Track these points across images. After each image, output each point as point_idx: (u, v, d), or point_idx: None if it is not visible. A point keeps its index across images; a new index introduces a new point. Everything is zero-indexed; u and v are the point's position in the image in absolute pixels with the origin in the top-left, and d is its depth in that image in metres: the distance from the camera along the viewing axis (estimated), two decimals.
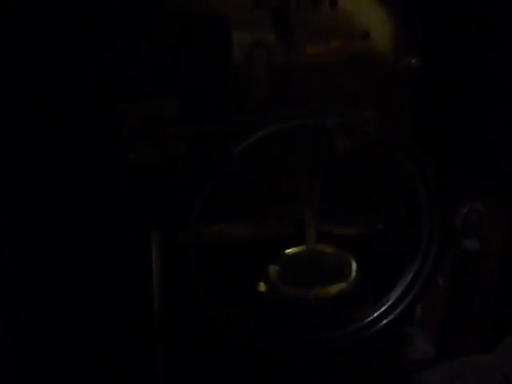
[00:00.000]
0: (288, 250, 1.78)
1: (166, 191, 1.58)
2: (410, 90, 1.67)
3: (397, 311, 1.66)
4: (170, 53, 1.55)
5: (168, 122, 1.48)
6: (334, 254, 1.77)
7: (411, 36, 1.64)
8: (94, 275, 1.66)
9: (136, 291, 1.65)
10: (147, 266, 1.58)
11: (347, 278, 1.72)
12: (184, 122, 1.49)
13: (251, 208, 1.70)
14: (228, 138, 1.53)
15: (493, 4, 1.73)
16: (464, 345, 1.87)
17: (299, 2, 1.56)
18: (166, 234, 1.57)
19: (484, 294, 1.82)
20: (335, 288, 1.71)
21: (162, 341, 1.65)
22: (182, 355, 1.70)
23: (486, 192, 1.77)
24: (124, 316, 1.69)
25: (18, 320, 1.64)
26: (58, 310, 1.67)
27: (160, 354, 1.66)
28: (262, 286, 1.74)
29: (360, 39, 1.60)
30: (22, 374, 1.68)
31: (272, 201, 1.71)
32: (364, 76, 1.62)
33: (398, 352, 1.88)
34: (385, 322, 1.67)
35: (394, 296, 1.66)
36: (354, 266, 1.74)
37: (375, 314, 1.67)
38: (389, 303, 1.66)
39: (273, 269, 1.74)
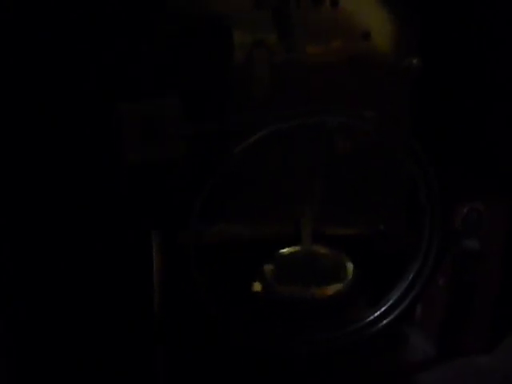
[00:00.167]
0: (283, 250, 1.78)
1: (166, 191, 1.58)
2: (411, 90, 1.67)
3: (397, 311, 1.66)
4: (169, 53, 1.55)
5: (168, 122, 1.48)
6: (330, 255, 1.77)
7: (412, 36, 1.64)
8: (94, 275, 1.66)
9: (136, 291, 1.65)
10: (147, 265, 1.58)
11: (343, 279, 1.72)
12: (184, 122, 1.49)
13: (251, 208, 1.70)
14: (228, 138, 1.53)
15: (493, 4, 1.73)
16: (464, 345, 1.87)
17: (300, 1, 1.56)
18: (166, 234, 1.57)
19: (484, 294, 1.82)
20: (331, 288, 1.71)
21: (161, 341, 1.65)
22: (182, 355, 1.69)
23: (486, 192, 1.77)
24: (124, 316, 1.69)
25: (18, 320, 1.64)
26: (57, 310, 1.67)
27: (160, 354, 1.66)
28: (256, 286, 1.73)
29: (361, 39, 1.60)
30: (22, 374, 1.68)
31: (272, 201, 1.71)
32: (364, 76, 1.62)
33: (398, 352, 1.88)
34: (385, 322, 1.67)
35: (394, 296, 1.66)
36: (349, 267, 1.74)
37: (375, 314, 1.67)
38: (389, 303, 1.66)
39: (268, 268, 1.74)
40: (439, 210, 1.58)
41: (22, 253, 1.62)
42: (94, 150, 1.57)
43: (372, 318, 1.67)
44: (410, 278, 1.64)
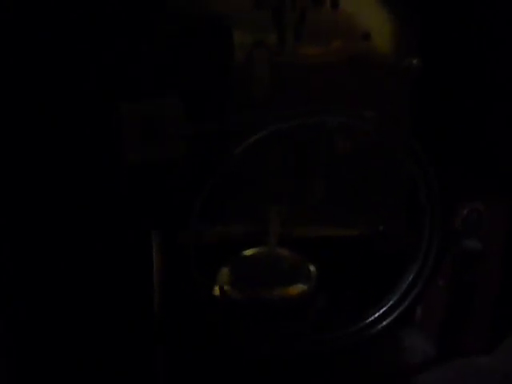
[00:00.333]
0: (244, 252, 1.76)
1: (166, 191, 1.58)
2: (411, 90, 1.67)
3: (397, 312, 1.66)
4: (169, 53, 1.55)
5: (168, 122, 1.48)
6: (291, 257, 1.76)
7: (412, 36, 1.64)
8: (94, 275, 1.66)
9: (136, 291, 1.65)
10: (147, 265, 1.58)
11: (306, 281, 1.71)
12: (184, 122, 1.49)
13: (251, 208, 1.70)
14: (228, 138, 1.53)
15: (493, 4, 1.73)
16: (464, 345, 1.87)
17: (301, 2, 1.56)
18: (166, 234, 1.57)
19: (484, 294, 1.82)
20: (295, 289, 1.70)
21: (161, 341, 1.65)
22: (182, 355, 1.69)
23: (486, 192, 1.77)
24: (124, 316, 1.69)
25: (18, 320, 1.64)
26: (57, 310, 1.67)
27: (160, 354, 1.66)
28: (216, 289, 1.72)
29: (361, 40, 1.60)
30: (22, 374, 1.68)
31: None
32: (364, 76, 1.62)
33: (398, 352, 1.88)
34: (385, 322, 1.67)
35: (394, 296, 1.66)
36: (312, 269, 1.73)
37: (376, 315, 1.67)
38: (389, 304, 1.66)
39: (224, 271, 1.72)
40: (439, 210, 1.59)
41: (22, 253, 1.62)
42: (94, 150, 1.57)
43: (372, 318, 1.67)
44: (410, 278, 1.64)
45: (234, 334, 1.66)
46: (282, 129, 1.51)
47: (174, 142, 1.49)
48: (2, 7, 1.47)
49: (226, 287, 1.69)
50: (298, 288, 1.70)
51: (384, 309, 1.67)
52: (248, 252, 1.75)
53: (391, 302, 1.66)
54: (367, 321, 1.67)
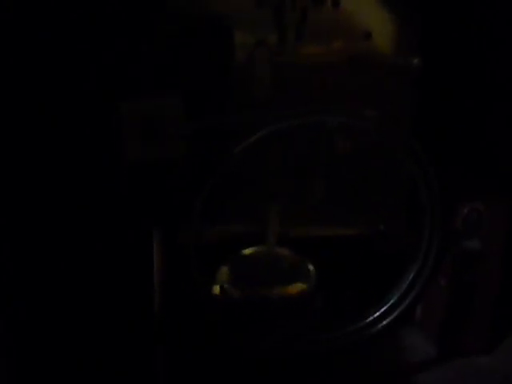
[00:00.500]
0: (244, 251, 1.76)
1: (167, 191, 1.58)
2: (411, 90, 1.66)
3: (397, 311, 1.66)
4: (170, 53, 1.55)
5: (168, 122, 1.48)
6: (290, 257, 1.75)
7: (412, 36, 1.64)
8: (95, 275, 1.66)
9: (136, 291, 1.65)
10: (148, 266, 1.58)
11: (305, 280, 1.71)
12: (184, 122, 1.49)
13: (251, 207, 1.70)
14: (228, 138, 1.53)
15: (493, 4, 1.73)
16: (464, 345, 1.87)
17: (301, 1, 1.56)
18: (167, 234, 1.56)
19: (484, 294, 1.82)
20: (295, 288, 1.70)
21: (161, 341, 1.65)
22: (182, 355, 1.69)
23: (486, 192, 1.77)
24: (124, 316, 1.69)
25: (18, 320, 1.64)
26: (58, 309, 1.67)
27: (160, 354, 1.66)
28: (215, 288, 1.71)
29: (362, 39, 1.60)
30: (22, 374, 1.68)
31: (272, 200, 1.71)
32: (365, 76, 1.62)
33: (398, 352, 1.88)
34: (385, 321, 1.66)
35: (394, 296, 1.66)
36: (311, 269, 1.73)
37: (376, 314, 1.67)
38: (390, 303, 1.66)
39: (224, 270, 1.72)
40: (439, 210, 1.59)
41: (22, 253, 1.62)
42: (94, 150, 1.57)
43: (372, 318, 1.67)
44: (411, 278, 1.64)
45: (233, 333, 1.66)
46: (282, 128, 1.50)
47: (174, 142, 1.49)
48: (2, 7, 1.47)
49: (225, 286, 1.69)
50: (297, 287, 1.69)
51: (384, 308, 1.66)
52: (247, 251, 1.75)
53: (391, 302, 1.66)
54: (367, 320, 1.67)
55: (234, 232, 1.72)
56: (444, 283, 1.81)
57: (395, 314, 1.66)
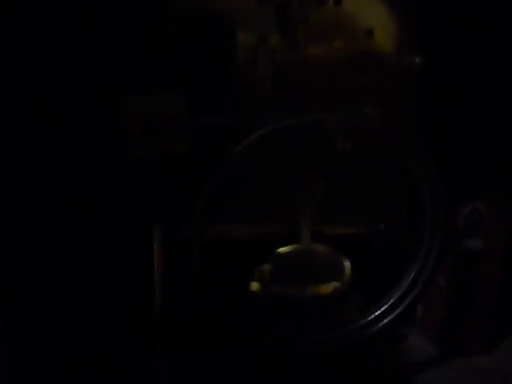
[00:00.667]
0: (281, 249, 1.77)
1: (167, 191, 1.58)
2: (413, 88, 1.66)
3: (398, 310, 1.65)
4: (171, 52, 1.55)
5: (169, 120, 1.48)
6: (327, 254, 1.76)
7: (413, 34, 1.64)
8: (95, 274, 1.66)
9: (137, 291, 1.65)
10: (148, 265, 1.58)
11: (340, 278, 1.72)
12: (186, 120, 1.49)
13: (251, 208, 1.70)
14: (228, 138, 1.53)
15: (493, 4, 1.73)
16: (465, 345, 1.87)
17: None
18: (168, 233, 1.57)
19: (485, 294, 1.82)
20: (329, 287, 1.70)
21: (162, 341, 1.65)
22: (182, 355, 1.69)
23: (486, 192, 1.77)
24: (124, 315, 1.69)
25: (18, 320, 1.64)
26: (57, 309, 1.67)
27: (160, 354, 1.66)
28: (254, 286, 1.72)
29: (364, 38, 1.60)
30: (22, 374, 1.68)
31: (271, 201, 1.70)
32: (367, 75, 1.62)
33: (399, 352, 1.88)
34: (386, 321, 1.66)
35: (395, 295, 1.66)
36: (347, 265, 1.74)
37: (376, 313, 1.67)
38: (390, 302, 1.66)
39: (265, 268, 1.73)
40: (441, 209, 1.58)
41: (22, 253, 1.62)
42: (95, 149, 1.58)
43: (373, 317, 1.67)
44: (411, 277, 1.64)
45: (233, 333, 1.66)
46: (283, 127, 1.51)
47: (175, 140, 1.50)
48: (2, 7, 1.47)
49: (264, 284, 1.70)
50: (331, 286, 1.70)
51: (385, 307, 1.66)
52: (283, 249, 1.76)
53: (392, 301, 1.66)
54: (368, 319, 1.67)
55: (236, 232, 1.73)
56: (445, 283, 1.81)
57: (396, 313, 1.66)
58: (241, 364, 1.73)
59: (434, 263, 1.62)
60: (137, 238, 1.61)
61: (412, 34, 1.64)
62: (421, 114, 1.68)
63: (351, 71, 1.61)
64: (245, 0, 1.55)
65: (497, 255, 1.80)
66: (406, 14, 1.63)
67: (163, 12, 1.55)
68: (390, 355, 1.85)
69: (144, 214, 1.60)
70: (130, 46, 1.54)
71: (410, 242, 1.68)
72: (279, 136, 1.53)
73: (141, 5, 1.53)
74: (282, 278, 1.72)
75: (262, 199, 1.70)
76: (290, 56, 1.58)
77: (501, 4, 1.72)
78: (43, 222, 1.61)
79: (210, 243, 1.60)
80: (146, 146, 1.49)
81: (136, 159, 1.52)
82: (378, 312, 1.67)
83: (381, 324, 1.67)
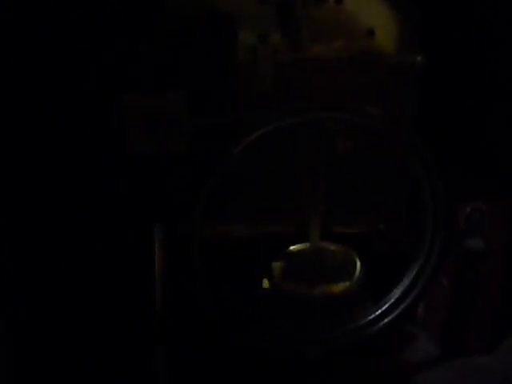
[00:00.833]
0: (292, 247, 1.77)
1: (168, 189, 1.58)
2: (414, 88, 1.66)
3: (399, 310, 1.65)
4: (172, 52, 1.55)
5: (170, 117, 1.48)
6: (338, 252, 1.76)
7: (413, 33, 1.64)
8: (95, 273, 1.66)
9: (137, 290, 1.65)
10: (149, 265, 1.58)
11: (351, 277, 1.72)
12: (186, 119, 1.49)
13: (252, 207, 1.70)
14: (228, 137, 1.53)
15: (493, 4, 1.73)
16: (465, 345, 1.87)
17: None
18: (168, 232, 1.57)
19: (485, 294, 1.82)
20: (339, 287, 1.70)
21: (162, 341, 1.65)
22: (182, 355, 1.69)
23: (486, 192, 1.77)
24: (125, 315, 1.69)
25: (17, 320, 1.64)
26: (58, 309, 1.67)
27: (160, 354, 1.66)
28: (265, 283, 1.73)
29: (365, 37, 1.60)
30: (22, 374, 1.67)
31: (277, 201, 1.70)
32: (368, 74, 1.62)
33: (399, 352, 1.88)
34: (386, 320, 1.66)
35: (395, 295, 1.66)
36: (358, 264, 1.74)
37: (377, 313, 1.67)
38: (391, 302, 1.66)
39: (276, 265, 1.73)
40: (442, 209, 1.58)
41: (22, 252, 1.62)
42: (95, 148, 1.58)
43: (373, 316, 1.67)
44: (412, 276, 1.64)
45: (233, 333, 1.66)
46: (282, 126, 1.51)
47: (175, 139, 1.50)
48: (2, 7, 1.47)
49: (277, 281, 1.70)
50: (341, 286, 1.70)
51: (385, 307, 1.66)
52: (295, 247, 1.76)
53: (393, 300, 1.66)
54: (368, 319, 1.67)
55: (236, 232, 1.73)
56: (446, 283, 1.81)
57: (396, 312, 1.66)
58: (241, 364, 1.73)
59: (435, 263, 1.62)
60: (137, 238, 1.62)
61: (413, 34, 1.64)
62: (421, 114, 1.68)
63: (351, 71, 1.61)
64: None
65: (497, 255, 1.80)
66: (406, 13, 1.63)
67: (163, 12, 1.55)
68: (391, 355, 1.86)
69: (144, 213, 1.60)
70: (130, 45, 1.54)
71: (410, 242, 1.68)
72: (279, 136, 1.53)
73: (141, 5, 1.53)
74: (293, 276, 1.71)
75: (262, 199, 1.70)
76: (291, 55, 1.58)
77: (501, 4, 1.72)
78: (43, 221, 1.61)
79: (210, 243, 1.60)
80: (147, 145, 1.49)
81: (136, 159, 1.52)
82: (379, 311, 1.67)
83: (381, 324, 1.67)
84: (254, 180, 1.68)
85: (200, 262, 1.57)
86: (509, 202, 1.76)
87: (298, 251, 1.77)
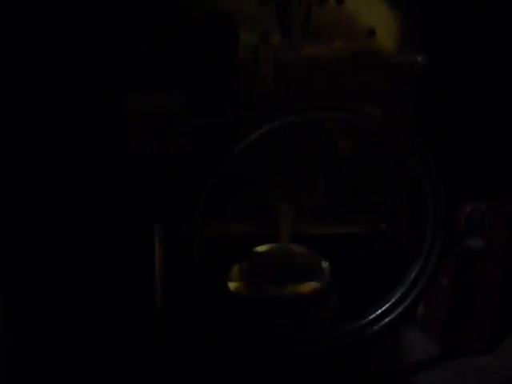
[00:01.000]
0: (258, 248, 1.76)
1: (168, 189, 1.58)
2: (415, 88, 1.66)
3: (399, 310, 1.65)
4: (171, 52, 1.55)
5: (170, 117, 1.48)
6: (305, 254, 1.76)
7: (414, 33, 1.64)
8: (95, 273, 1.66)
9: (137, 290, 1.65)
10: (149, 265, 1.58)
11: (319, 278, 1.71)
12: (187, 119, 1.49)
13: (251, 208, 1.70)
14: (229, 137, 1.53)
15: (493, 4, 1.73)
16: (465, 345, 1.87)
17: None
18: (168, 232, 1.57)
19: (485, 294, 1.82)
20: (308, 287, 1.70)
21: (161, 341, 1.65)
22: (182, 355, 1.69)
23: (486, 192, 1.77)
24: (125, 315, 1.69)
25: (18, 320, 1.64)
26: (58, 309, 1.67)
27: (160, 354, 1.66)
28: (231, 285, 1.72)
29: (366, 37, 1.60)
30: (22, 374, 1.67)
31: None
32: (369, 74, 1.62)
33: (399, 351, 1.88)
34: (387, 320, 1.66)
35: (396, 295, 1.66)
36: (325, 266, 1.73)
37: (377, 313, 1.67)
38: (391, 302, 1.66)
39: (242, 266, 1.73)
40: (443, 209, 1.58)
41: (22, 252, 1.62)
42: (95, 148, 1.58)
43: (373, 316, 1.67)
44: (412, 276, 1.64)
45: (233, 333, 1.66)
46: (283, 126, 1.51)
47: (175, 139, 1.50)
48: (2, 7, 1.47)
49: (238, 284, 1.69)
50: (310, 286, 1.70)
51: (386, 307, 1.66)
52: (261, 248, 1.75)
53: (393, 300, 1.66)
54: (369, 318, 1.67)
55: (244, 231, 1.73)
56: (446, 283, 1.81)
57: (397, 312, 1.66)
58: (241, 364, 1.73)
59: (436, 263, 1.62)
60: (137, 238, 1.61)
61: (413, 34, 1.64)
62: (421, 114, 1.68)
63: (352, 70, 1.61)
64: None
65: (497, 255, 1.80)
66: (407, 13, 1.63)
67: (163, 12, 1.55)
68: (391, 355, 1.86)
69: (144, 213, 1.60)
70: (130, 45, 1.54)
71: (410, 242, 1.68)
72: (280, 135, 1.53)
73: (141, 5, 1.53)
74: (259, 277, 1.71)
75: (262, 199, 1.70)
76: (292, 55, 1.58)
77: (501, 4, 1.72)
78: (44, 221, 1.61)
79: (210, 243, 1.60)
80: (147, 145, 1.49)
81: (136, 159, 1.52)
82: (380, 311, 1.67)
83: (381, 324, 1.67)
84: (253, 180, 1.68)
85: (200, 262, 1.57)
86: (509, 201, 1.76)
87: (264, 252, 1.76)
